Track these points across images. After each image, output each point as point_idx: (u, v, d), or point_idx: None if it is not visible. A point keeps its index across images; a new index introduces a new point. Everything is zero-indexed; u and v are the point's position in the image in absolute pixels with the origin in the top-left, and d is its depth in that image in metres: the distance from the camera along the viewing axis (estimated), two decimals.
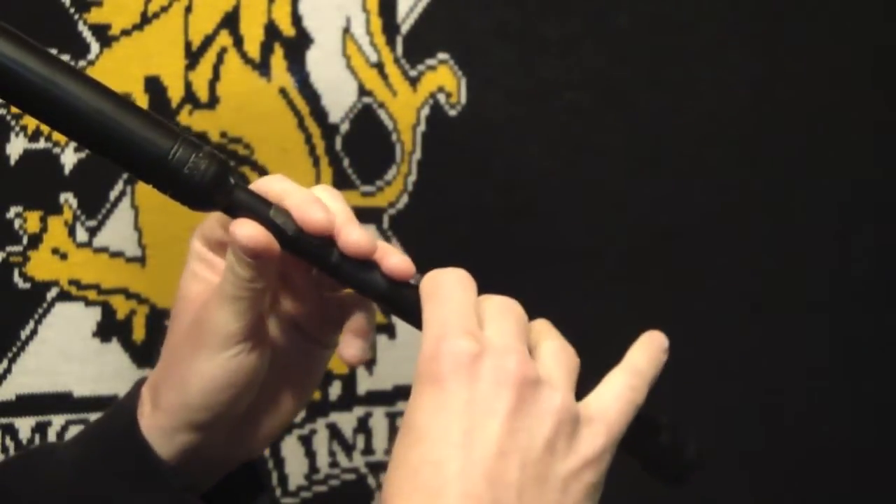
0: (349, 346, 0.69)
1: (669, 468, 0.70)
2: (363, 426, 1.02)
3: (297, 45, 0.98)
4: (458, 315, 0.63)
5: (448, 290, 0.65)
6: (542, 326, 0.67)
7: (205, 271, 0.70)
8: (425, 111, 1.02)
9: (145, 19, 0.93)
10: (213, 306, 0.67)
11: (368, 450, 1.03)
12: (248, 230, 0.65)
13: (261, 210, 0.66)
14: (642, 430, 0.67)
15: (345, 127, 1.00)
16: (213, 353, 0.67)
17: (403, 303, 0.67)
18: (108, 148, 0.65)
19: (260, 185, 0.68)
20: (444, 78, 1.02)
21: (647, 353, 0.68)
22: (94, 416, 0.87)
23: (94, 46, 0.91)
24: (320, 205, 0.66)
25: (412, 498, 0.60)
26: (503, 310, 0.65)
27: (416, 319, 0.66)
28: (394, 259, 0.67)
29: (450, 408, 0.61)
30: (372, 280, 0.67)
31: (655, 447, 0.69)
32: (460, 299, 0.64)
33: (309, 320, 0.71)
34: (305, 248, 0.66)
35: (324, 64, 0.99)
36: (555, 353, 0.64)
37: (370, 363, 1.02)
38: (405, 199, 1.02)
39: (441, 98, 1.02)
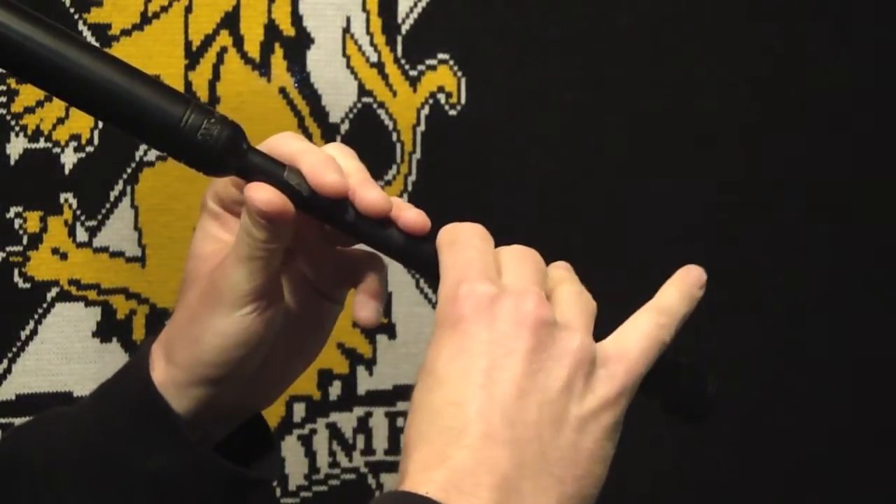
0: (363, 308, 0.69)
1: (690, 409, 0.70)
2: (363, 426, 1.02)
3: (297, 45, 0.98)
4: (476, 261, 0.64)
5: (466, 238, 0.65)
6: (560, 272, 0.67)
7: (218, 231, 0.70)
8: (425, 111, 1.02)
9: (145, 19, 0.93)
10: (227, 266, 0.68)
11: (368, 450, 1.03)
12: (262, 194, 0.65)
13: (275, 172, 0.66)
14: (662, 372, 0.67)
15: (345, 127, 1.00)
16: (228, 312, 0.68)
17: (420, 257, 0.67)
18: (120, 117, 0.65)
19: (273, 144, 0.68)
20: (444, 78, 1.02)
21: (679, 289, 0.67)
22: None
23: None
24: (334, 166, 0.66)
25: (434, 439, 0.60)
26: (520, 257, 0.66)
27: (432, 273, 0.66)
28: (410, 214, 0.67)
29: (470, 349, 0.61)
30: (388, 236, 0.67)
31: (676, 389, 0.69)
32: (478, 247, 0.65)
33: (321, 276, 0.72)
34: (321, 208, 0.67)
35: (324, 64, 0.99)
36: (571, 297, 0.65)
37: (370, 363, 1.02)
38: (405, 199, 1.02)
39: (441, 98, 1.02)
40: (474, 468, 0.59)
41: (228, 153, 0.65)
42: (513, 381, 0.61)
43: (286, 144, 0.68)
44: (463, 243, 0.65)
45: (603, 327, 0.65)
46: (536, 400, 0.61)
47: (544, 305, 0.62)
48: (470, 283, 0.63)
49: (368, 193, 0.67)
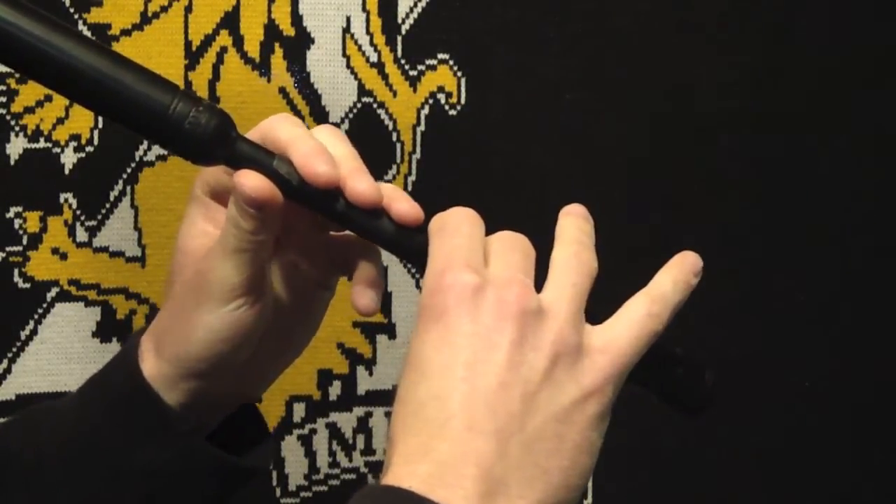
0: (362, 297, 0.68)
1: (687, 401, 0.69)
2: (363, 426, 1.02)
3: (297, 45, 0.98)
4: (462, 249, 0.63)
5: (454, 225, 0.64)
6: (555, 258, 0.66)
7: (205, 223, 0.69)
8: (425, 111, 1.02)
9: (145, 19, 0.93)
10: (214, 259, 0.67)
11: (368, 450, 1.03)
12: (252, 181, 0.64)
13: (264, 161, 0.65)
14: (658, 363, 0.66)
15: (345, 127, 1.00)
16: (216, 307, 0.67)
17: (412, 248, 0.66)
18: (106, 105, 0.64)
19: (265, 129, 0.67)
20: (444, 78, 1.02)
21: (674, 276, 0.67)
22: None
23: None
24: (325, 156, 0.65)
25: (418, 432, 0.60)
26: (509, 244, 0.64)
27: (424, 263, 0.65)
28: (402, 206, 0.66)
29: (453, 341, 0.60)
30: (380, 227, 0.66)
31: (672, 381, 0.68)
32: (466, 234, 0.64)
33: (313, 263, 0.71)
34: (310, 198, 0.66)
35: (324, 64, 0.99)
36: (560, 284, 0.64)
37: (370, 363, 1.02)
38: None
39: (441, 98, 1.02)
40: (458, 460, 0.58)
41: (216, 142, 0.64)
42: (495, 373, 0.60)
43: (278, 129, 0.67)
44: (450, 230, 0.64)
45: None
46: (520, 391, 0.60)
47: (528, 294, 0.62)
48: (453, 272, 0.62)
49: (359, 184, 0.65)
